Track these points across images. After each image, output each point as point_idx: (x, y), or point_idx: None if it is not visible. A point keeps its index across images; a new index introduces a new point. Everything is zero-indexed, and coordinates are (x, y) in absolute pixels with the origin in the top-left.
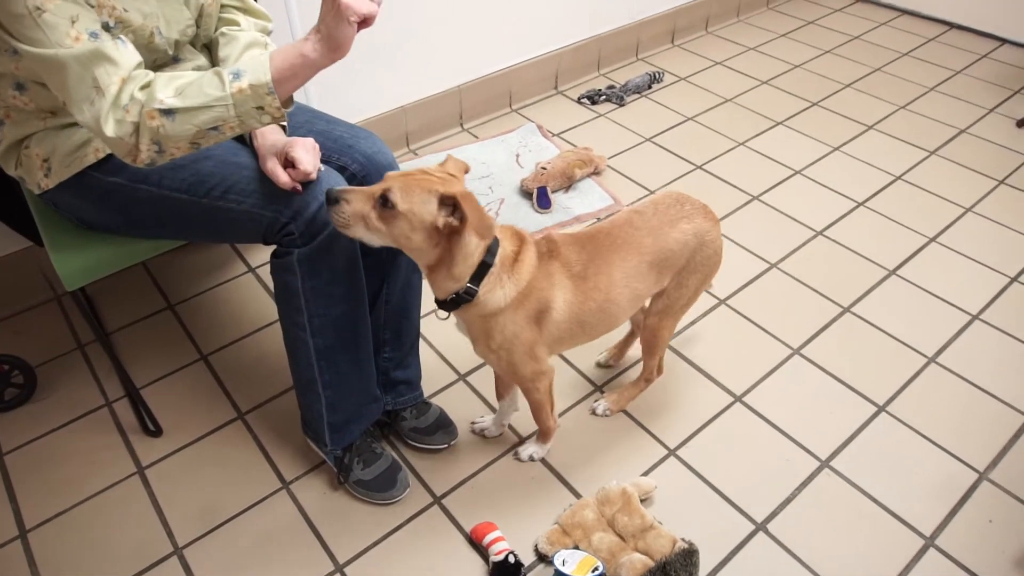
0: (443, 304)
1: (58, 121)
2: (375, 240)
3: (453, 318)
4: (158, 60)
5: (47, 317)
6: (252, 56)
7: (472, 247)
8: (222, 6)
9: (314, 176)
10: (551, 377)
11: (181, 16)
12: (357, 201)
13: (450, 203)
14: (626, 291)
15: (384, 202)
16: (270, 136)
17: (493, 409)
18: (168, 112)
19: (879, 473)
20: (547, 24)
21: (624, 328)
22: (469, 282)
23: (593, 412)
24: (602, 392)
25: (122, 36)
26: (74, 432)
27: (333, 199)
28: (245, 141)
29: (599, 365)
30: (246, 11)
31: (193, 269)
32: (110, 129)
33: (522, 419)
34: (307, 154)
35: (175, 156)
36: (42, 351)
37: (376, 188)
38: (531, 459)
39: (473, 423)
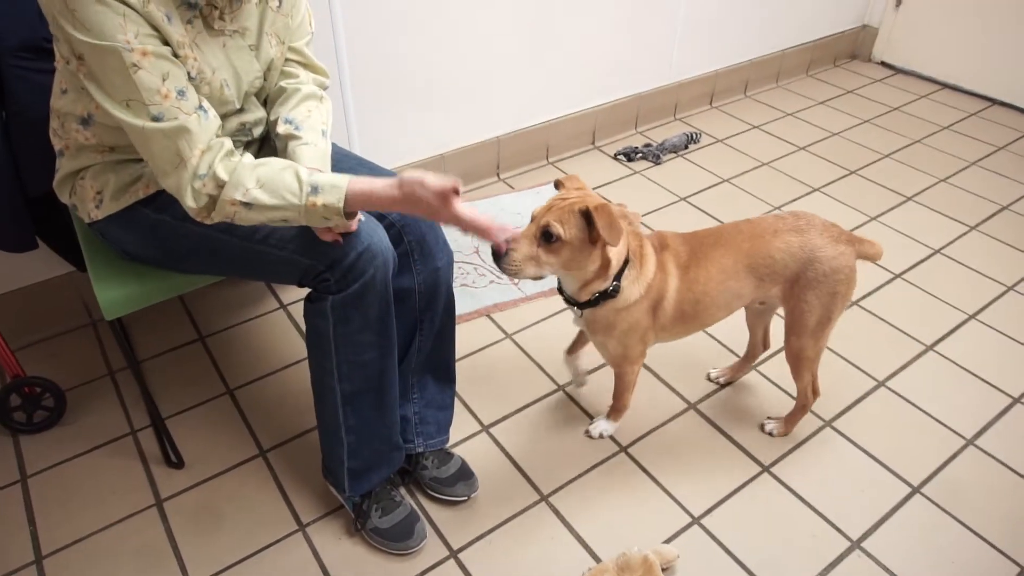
0: (583, 304)
1: (116, 156)
2: (545, 272)
3: (571, 314)
4: (225, 112)
5: (81, 342)
6: (332, 179)
7: (620, 251)
8: (285, 60)
9: (354, 228)
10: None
11: (251, 68)
12: (524, 246)
13: (586, 217)
14: (721, 288)
15: (548, 238)
16: None
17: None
18: (247, 204)
19: (914, 559)
20: (587, 80)
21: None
22: (614, 280)
23: (761, 428)
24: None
25: (204, 104)
26: (97, 459)
27: (501, 253)
28: None
29: (708, 379)
30: (307, 66)
31: (226, 302)
32: (189, 199)
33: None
34: None
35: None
36: (74, 375)
37: (532, 228)
38: (600, 436)
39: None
